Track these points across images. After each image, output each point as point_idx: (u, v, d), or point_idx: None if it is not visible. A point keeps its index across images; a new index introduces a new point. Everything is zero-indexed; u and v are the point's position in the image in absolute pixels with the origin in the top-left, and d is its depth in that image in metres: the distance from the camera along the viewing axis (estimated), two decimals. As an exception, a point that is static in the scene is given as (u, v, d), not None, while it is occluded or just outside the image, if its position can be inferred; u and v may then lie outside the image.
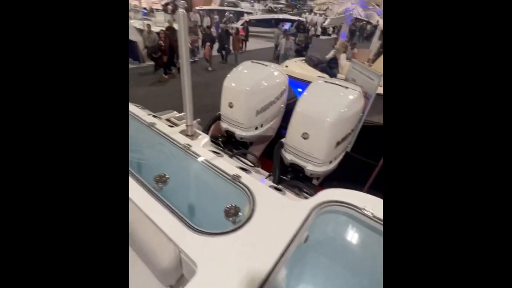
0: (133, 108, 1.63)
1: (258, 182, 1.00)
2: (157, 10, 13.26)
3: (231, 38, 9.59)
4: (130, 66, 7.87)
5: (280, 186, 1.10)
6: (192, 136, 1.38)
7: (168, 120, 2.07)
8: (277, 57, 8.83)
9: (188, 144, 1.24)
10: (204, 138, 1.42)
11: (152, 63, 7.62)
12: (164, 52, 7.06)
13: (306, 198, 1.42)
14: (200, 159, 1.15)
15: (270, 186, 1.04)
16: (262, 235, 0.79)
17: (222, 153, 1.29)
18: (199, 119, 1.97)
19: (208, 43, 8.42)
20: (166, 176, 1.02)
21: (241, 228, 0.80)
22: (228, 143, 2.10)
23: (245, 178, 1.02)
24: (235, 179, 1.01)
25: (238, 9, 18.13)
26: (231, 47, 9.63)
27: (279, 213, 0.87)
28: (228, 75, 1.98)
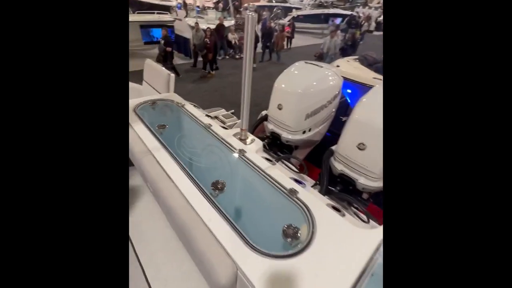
0: (189, 107, 1.68)
1: (316, 199, 0.93)
2: (209, 8, 13.88)
3: (274, 35, 9.35)
4: (180, 61, 8.41)
5: (338, 206, 1.00)
6: (245, 140, 1.37)
7: (216, 117, 2.11)
8: (320, 56, 8.15)
9: (242, 150, 1.23)
10: (257, 144, 1.38)
11: (191, 60, 8.02)
12: (209, 50, 7.17)
13: (355, 214, 1.29)
14: (255, 168, 1.12)
15: (328, 205, 0.95)
16: (325, 264, 0.72)
17: (273, 160, 1.25)
18: None
19: (251, 41, 8.40)
20: (223, 182, 1.01)
21: (302, 253, 0.75)
22: (273, 145, 2.05)
23: (302, 194, 0.96)
24: (292, 194, 0.96)
25: (287, 4, 17.78)
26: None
27: (342, 240, 0.80)
28: (280, 76, 1.91)
